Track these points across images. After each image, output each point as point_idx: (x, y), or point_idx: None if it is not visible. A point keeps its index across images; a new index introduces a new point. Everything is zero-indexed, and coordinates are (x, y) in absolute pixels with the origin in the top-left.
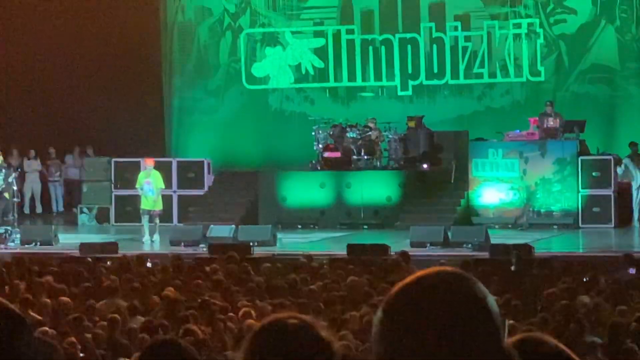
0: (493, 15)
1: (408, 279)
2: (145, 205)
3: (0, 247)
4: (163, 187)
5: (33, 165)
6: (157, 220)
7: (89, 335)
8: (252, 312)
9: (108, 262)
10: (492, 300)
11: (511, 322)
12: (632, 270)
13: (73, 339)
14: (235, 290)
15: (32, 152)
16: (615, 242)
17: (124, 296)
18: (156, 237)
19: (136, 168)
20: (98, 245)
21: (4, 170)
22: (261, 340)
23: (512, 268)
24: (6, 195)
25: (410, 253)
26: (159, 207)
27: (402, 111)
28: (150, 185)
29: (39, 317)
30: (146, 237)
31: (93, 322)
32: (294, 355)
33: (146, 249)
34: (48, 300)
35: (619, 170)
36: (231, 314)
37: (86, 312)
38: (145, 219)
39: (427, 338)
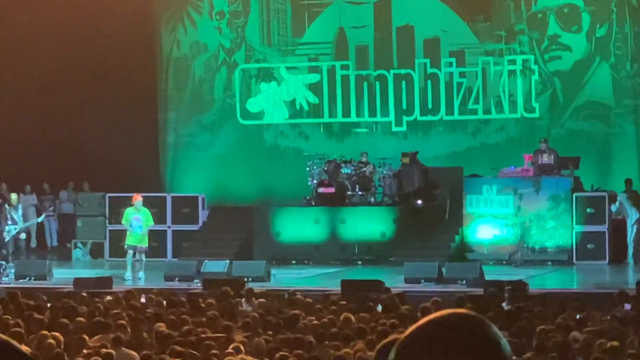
0: (488, 52)
1: (422, 321)
2: (131, 241)
3: None
4: (152, 224)
5: (29, 200)
6: (144, 257)
7: None
8: (242, 347)
9: (106, 297)
10: (505, 342)
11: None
12: (628, 306)
13: None
14: (228, 325)
15: (28, 187)
16: (609, 279)
17: (117, 331)
18: (142, 274)
19: (130, 203)
20: (92, 280)
21: (20, 209)
22: None
23: (505, 304)
24: (22, 235)
25: (404, 289)
26: (145, 243)
27: (396, 147)
28: (139, 222)
29: (35, 354)
30: (128, 274)
31: (87, 358)
32: None
33: (128, 284)
34: (43, 334)
35: (614, 207)
36: (225, 349)
37: (79, 347)
38: (129, 255)
39: None
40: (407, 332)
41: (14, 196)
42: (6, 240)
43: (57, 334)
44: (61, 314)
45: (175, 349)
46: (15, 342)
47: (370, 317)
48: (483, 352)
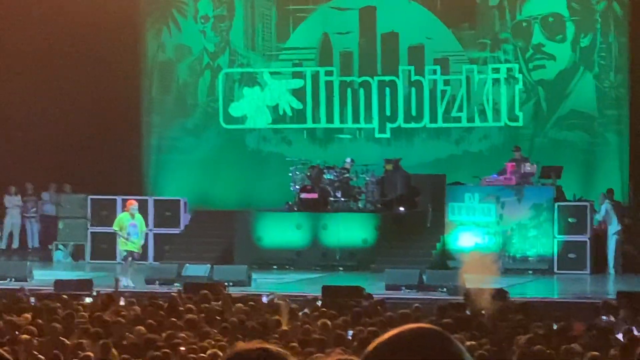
0: (472, 60)
1: (387, 335)
2: (129, 247)
3: None
4: (145, 230)
5: (14, 201)
6: (135, 261)
7: None
8: (220, 352)
9: (86, 299)
10: (468, 357)
11: None
12: (605, 318)
13: None
14: (208, 330)
15: (13, 189)
16: (590, 289)
17: (97, 334)
18: (129, 280)
19: (113, 205)
20: (73, 282)
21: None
22: None
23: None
24: None
25: (385, 296)
26: (140, 249)
27: (379, 153)
28: (136, 227)
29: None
30: (128, 280)
31: None
32: None
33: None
34: (23, 337)
35: (600, 212)
36: (202, 354)
37: (60, 350)
38: (128, 262)
39: None
40: (372, 345)
41: None
42: None
43: (39, 337)
44: (42, 316)
45: (153, 353)
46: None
47: (351, 323)
48: None
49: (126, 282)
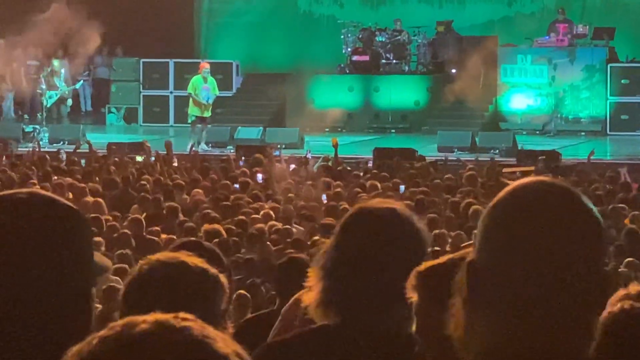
0: None
1: (515, 184)
2: (199, 112)
3: (29, 146)
4: (217, 93)
5: (62, 65)
6: (206, 127)
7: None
8: (272, 213)
9: (137, 158)
10: (596, 210)
11: None
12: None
13: (99, 239)
14: (260, 191)
15: (60, 52)
16: None
17: (151, 196)
18: (204, 145)
19: (165, 68)
20: (125, 145)
21: (62, 73)
22: (351, 224)
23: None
24: (69, 101)
25: (437, 158)
26: (209, 113)
27: (431, 15)
28: (208, 91)
29: None
30: (201, 145)
31: (120, 222)
32: (383, 238)
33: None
34: (88, 200)
35: None
36: (256, 215)
37: (114, 211)
38: (197, 128)
39: (534, 247)
40: (501, 194)
41: (56, 62)
42: (47, 105)
43: (93, 198)
44: (95, 178)
45: (208, 213)
46: (71, 203)
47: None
48: (581, 222)
49: (196, 147)
